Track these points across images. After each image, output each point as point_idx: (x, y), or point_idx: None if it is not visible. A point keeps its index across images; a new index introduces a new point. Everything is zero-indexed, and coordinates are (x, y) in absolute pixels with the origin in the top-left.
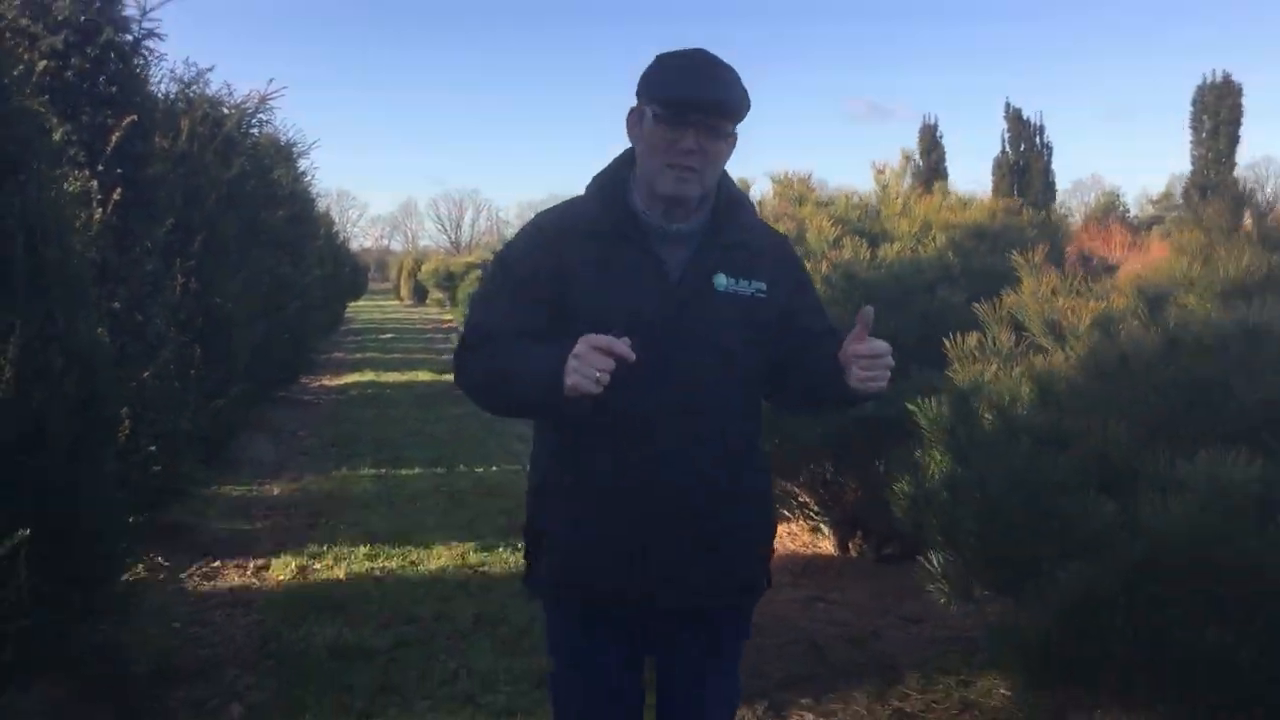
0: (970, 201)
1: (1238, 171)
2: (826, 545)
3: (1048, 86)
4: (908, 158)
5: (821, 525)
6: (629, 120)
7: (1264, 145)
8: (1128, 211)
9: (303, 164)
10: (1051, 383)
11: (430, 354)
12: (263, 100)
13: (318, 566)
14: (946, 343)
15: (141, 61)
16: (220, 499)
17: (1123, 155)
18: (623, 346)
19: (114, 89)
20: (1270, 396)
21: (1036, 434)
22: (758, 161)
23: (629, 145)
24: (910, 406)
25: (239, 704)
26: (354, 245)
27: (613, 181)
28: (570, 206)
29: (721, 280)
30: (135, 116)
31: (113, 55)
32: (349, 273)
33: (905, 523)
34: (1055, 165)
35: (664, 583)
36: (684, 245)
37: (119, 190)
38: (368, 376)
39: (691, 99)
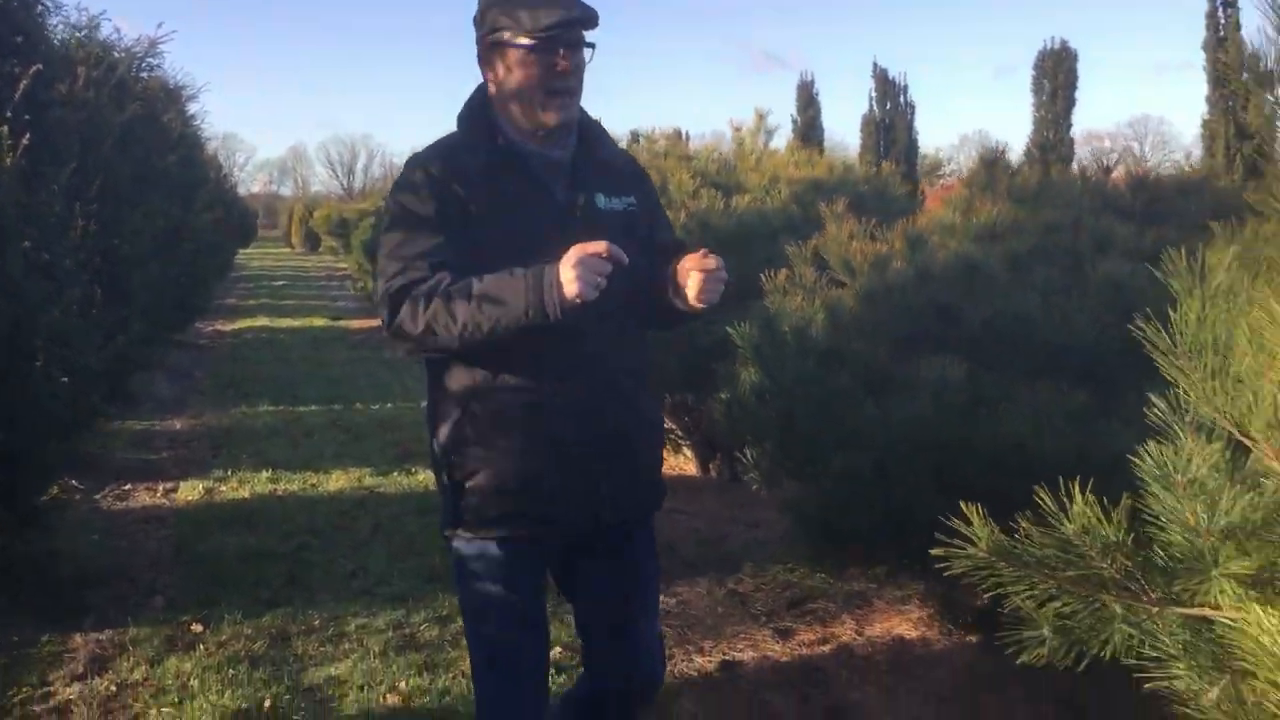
0: (814, 159)
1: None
2: (690, 467)
3: (942, 41)
4: (762, 116)
5: (685, 449)
6: (483, 61)
7: (1149, 103)
8: (1009, 166)
9: (192, 108)
10: (838, 310)
11: (325, 300)
12: (153, 44)
13: (223, 489)
14: (762, 276)
15: (42, 9)
16: (125, 432)
17: (1012, 111)
18: (617, 250)
19: (18, 39)
20: (987, 317)
21: (822, 351)
22: (659, 113)
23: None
24: (729, 329)
25: (160, 597)
26: (241, 190)
27: (484, 119)
28: (450, 147)
29: (601, 199)
30: (40, 65)
31: (16, 4)
32: (238, 218)
33: (723, 425)
34: (943, 122)
35: (606, 498)
36: (560, 171)
37: (27, 135)
38: (261, 322)
39: (563, 21)
